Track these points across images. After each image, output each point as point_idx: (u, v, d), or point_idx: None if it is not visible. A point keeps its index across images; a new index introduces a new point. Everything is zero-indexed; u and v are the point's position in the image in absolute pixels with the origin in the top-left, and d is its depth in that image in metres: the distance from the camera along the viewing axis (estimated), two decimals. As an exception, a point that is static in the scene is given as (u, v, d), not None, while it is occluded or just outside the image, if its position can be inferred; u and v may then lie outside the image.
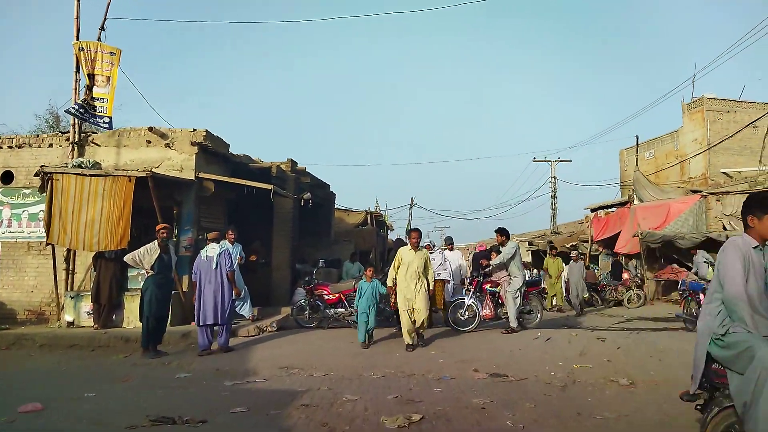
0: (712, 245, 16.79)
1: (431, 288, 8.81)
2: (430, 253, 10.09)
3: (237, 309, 10.41)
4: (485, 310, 10.12)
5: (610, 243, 23.02)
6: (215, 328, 8.61)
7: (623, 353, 7.93)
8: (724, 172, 21.95)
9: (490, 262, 10.49)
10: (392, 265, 8.96)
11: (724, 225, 17.61)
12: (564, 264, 17.73)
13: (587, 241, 25.45)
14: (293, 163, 14.27)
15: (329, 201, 18.00)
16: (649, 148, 25.85)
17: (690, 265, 17.18)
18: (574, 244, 26.39)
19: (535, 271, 23.05)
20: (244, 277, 10.66)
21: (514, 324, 9.79)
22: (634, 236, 17.65)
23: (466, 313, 10.32)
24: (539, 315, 10.62)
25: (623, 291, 17.10)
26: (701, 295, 9.38)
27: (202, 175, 11.09)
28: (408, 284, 8.64)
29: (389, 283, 8.87)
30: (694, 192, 19.33)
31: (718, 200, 17.76)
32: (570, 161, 35.47)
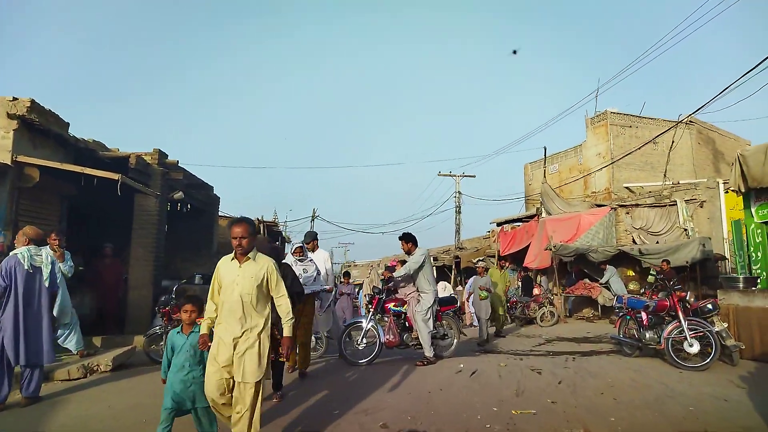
0: (623, 259, 16.14)
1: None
2: (299, 259, 7.72)
3: (60, 341, 7.67)
4: (388, 335, 8.11)
5: (517, 258, 22.18)
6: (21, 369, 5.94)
7: (568, 390, 6.25)
8: (626, 187, 21.88)
9: (393, 274, 8.58)
10: (210, 289, 4.39)
11: (633, 238, 17.08)
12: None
13: (494, 256, 24.55)
14: (162, 154, 11.59)
15: (212, 206, 15.34)
16: (553, 162, 25.59)
17: (599, 278, 16.45)
18: (480, 258, 25.44)
19: (447, 285, 21.73)
20: (76, 296, 7.94)
21: (429, 353, 7.90)
22: (546, 249, 16.64)
23: (364, 339, 8.29)
24: (455, 340, 8.77)
25: (535, 308, 15.95)
26: (643, 315, 8.00)
27: (22, 158, 8.27)
28: (227, 326, 4.22)
29: (203, 328, 4.29)
30: (599, 206, 18.91)
31: (627, 213, 17.23)
32: (474, 176, 34.68)
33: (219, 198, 15.55)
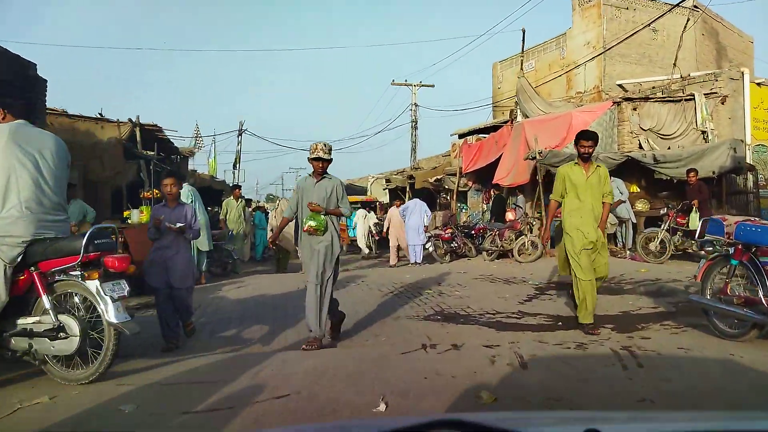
0: (624, 171, 11.93)
1: None
2: None
3: None
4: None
5: (484, 175, 17.88)
6: None
7: None
8: (620, 85, 17.42)
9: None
10: None
11: (640, 142, 12.81)
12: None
13: (454, 175, 20.16)
14: None
15: (35, 92, 10.11)
16: (528, 58, 20.82)
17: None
18: (438, 177, 21.04)
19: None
20: None
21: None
22: (527, 159, 12.21)
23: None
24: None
25: (511, 237, 11.71)
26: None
27: None
28: None
29: None
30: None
31: (634, 109, 12.85)
32: (433, 86, 29.56)
33: (45, 81, 10.27)
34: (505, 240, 11.72)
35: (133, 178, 12.60)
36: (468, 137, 20.35)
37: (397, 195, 24.83)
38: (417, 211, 12.84)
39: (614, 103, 12.86)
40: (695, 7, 18.85)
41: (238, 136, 27.85)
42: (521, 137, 14.13)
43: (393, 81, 31.62)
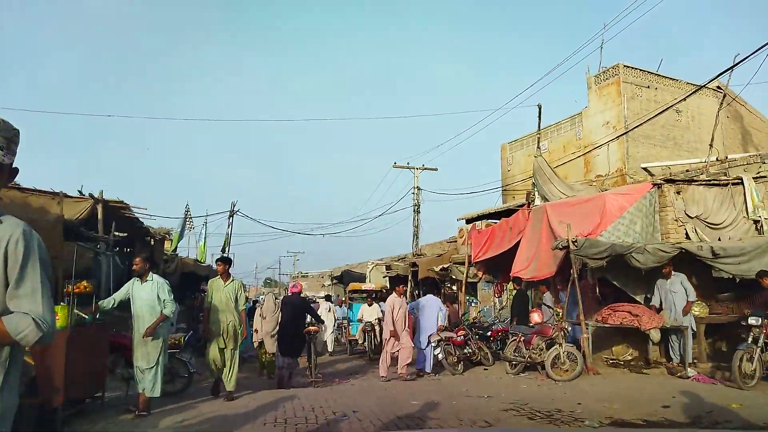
0: (675, 266, 9.88)
1: None
2: None
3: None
4: None
5: (495, 266, 15.90)
6: None
7: None
8: (645, 168, 15.82)
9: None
10: None
11: (687, 232, 10.86)
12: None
13: (462, 263, 18.13)
14: None
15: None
16: (541, 139, 19.42)
17: (639, 299, 10.17)
18: (445, 266, 18.98)
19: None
20: None
21: None
22: (556, 248, 10.21)
23: None
24: None
25: (541, 346, 9.47)
26: None
27: None
28: None
29: None
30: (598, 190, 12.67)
31: (678, 192, 11.02)
32: (436, 169, 28.26)
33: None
34: (533, 349, 9.48)
35: (88, 264, 10.55)
36: (477, 222, 18.54)
37: (398, 283, 22.79)
38: (432, 308, 10.80)
39: (654, 185, 11.06)
40: (718, 88, 17.65)
41: (229, 218, 26.04)
42: (543, 222, 12.23)
43: (395, 164, 30.38)
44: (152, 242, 14.73)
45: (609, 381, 8.55)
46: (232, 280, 7.96)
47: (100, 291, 9.89)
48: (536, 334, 9.59)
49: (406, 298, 11.21)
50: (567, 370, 8.82)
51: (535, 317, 10.18)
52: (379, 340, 14.18)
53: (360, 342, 15.47)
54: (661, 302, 9.49)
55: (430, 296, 11.55)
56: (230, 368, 7.72)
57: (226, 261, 8.34)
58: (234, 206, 26.07)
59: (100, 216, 11.57)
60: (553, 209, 12.06)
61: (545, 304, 10.34)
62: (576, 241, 9.33)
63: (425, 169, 30.51)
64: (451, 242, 24.68)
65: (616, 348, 10.58)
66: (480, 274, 17.55)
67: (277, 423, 6.14)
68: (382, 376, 10.48)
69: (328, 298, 23.08)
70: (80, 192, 11.77)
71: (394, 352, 10.69)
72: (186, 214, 24.82)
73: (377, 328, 14.44)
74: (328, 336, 16.07)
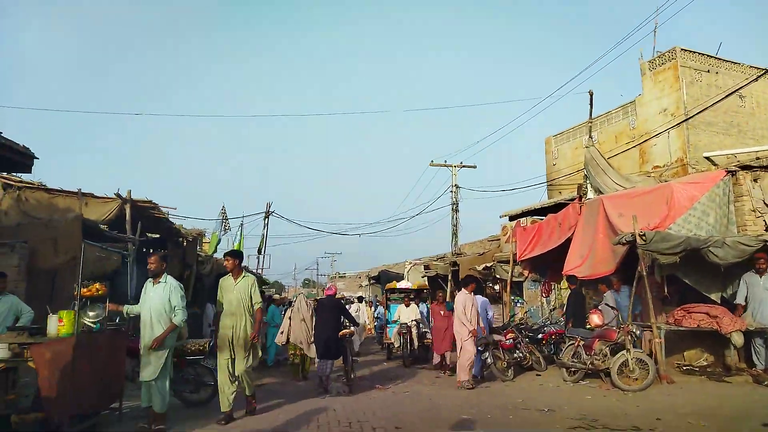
0: (752, 260, 8.69)
1: None
2: None
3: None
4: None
5: (541, 264, 14.91)
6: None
7: None
8: (707, 157, 14.52)
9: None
10: None
11: (766, 223, 9.65)
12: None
13: (507, 262, 17.11)
14: None
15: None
16: (586, 132, 18.23)
17: (715, 298, 9.01)
18: (488, 265, 17.96)
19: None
20: None
21: None
22: (618, 243, 9.17)
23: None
24: None
25: (604, 351, 8.43)
26: None
27: None
28: None
29: None
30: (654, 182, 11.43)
31: (755, 180, 9.82)
32: (475, 167, 27.20)
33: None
34: (595, 355, 8.46)
35: (114, 266, 10.07)
36: (521, 219, 17.49)
37: (437, 284, 21.79)
38: (480, 309, 9.98)
39: (728, 172, 9.89)
40: (786, 70, 16.14)
41: (264, 219, 25.62)
42: (599, 216, 11.18)
43: (432, 162, 29.52)
44: (185, 243, 14.24)
45: (686, 391, 7.48)
46: (244, 276, 6.71)
47: (129, 296, 9.35)
48: (598, 338, 8.57)
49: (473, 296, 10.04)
50: (637, 379, 7.78)
51: (595, 319, 9.16)
52: (418, 344, 13.16)
53: (396, 346, 14.23)
54: (746, 300, 8.33)
55: (477, 296, 10.66)
56: (243, 380, 6.49)
57: (235, 255, 6.92)
58: (269, 207, 25.63)
59: (128, 217, 11.12)
60: (611, 202, 10.99)
61: (607, 305, 9.27)
62: (644, 235, 8.27)
63: (463, 166, 29.52)
64: (492, 241, 23.64)
65: (689, 353, 9.44)
66: (526, 272, 16.50)
67: (309, 440, 5.38)
68: (463, 380, 9.10)
69: (360, 299, 22.32)
70: (117, 195, 11.33)
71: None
72: (222, 215, 24.53)
73: (414, 330, 13.25)
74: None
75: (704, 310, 8.32)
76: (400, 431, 5.73)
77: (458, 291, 18.39)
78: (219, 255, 24.06)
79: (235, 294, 6.55)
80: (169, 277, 6.07)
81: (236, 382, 6.40)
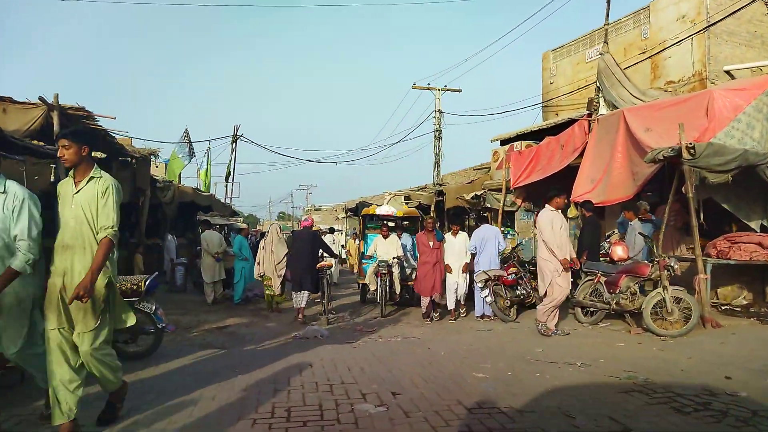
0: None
1: None
2: None
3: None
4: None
5: (536, 192, 13.53)
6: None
7: None
8: (727, 71, 12.94)
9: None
10: None
11: (819, 140, 8.19)
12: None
13: (498, 190, 15.67)
14: None
15: None
16: (594, 42, 16.35)
17: (754, 226, 7.67)
18: (478, 194, 16.45)
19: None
20: None
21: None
22: (653, 161, 7.61)
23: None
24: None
25: (632, 289, 7.05)
26: None
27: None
28: None
29: None
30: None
31: (811, 87, 8.26)
32: (460, 90, 25.34)
33: None
34: (621, 293, 7.08)
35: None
36: (515, 143, 15.88)
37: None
38: (491, 240, 8.62)
39: (779, 78, 8.31)
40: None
41: (232, 143, 23.50)
42: (618, 133, 9.62)
43: (414, 84, 27.48)
44: (134, 163, 12.29)
45: (740, 338, 6.19)
46: (93, 177, 3.63)
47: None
48: (625, 274, 7.17)
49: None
50: (676, 322, 6.46)
51: (619, 251, 7.78)
52: (401, 288, 10.53)
53: (372, 289, 10.71)
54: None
55: (486, 226, 9.31)
56: (93, 368, 3.55)
57: (77, 136, 3.66)
58: (237, 130, 23.44)
59: (56, 127, 9.11)
60: (635, 115, 9.38)
61: (641, 233, 7.82)
62: (693, 148, 6.70)
63: (447, 90, 27.59)
64: (478, 169, 22.10)
65: (723, 290, 8.18)
66: (519, 202, 15.16)
67: (274, 417, 3.87)
68: (546, 327, 7.08)
69: (331, 230, 21.06)
70: (42, 99, 9.26)
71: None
72: (185, 138, 22.30)
73: (396, 271, 10.23)
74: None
75: (756, 240, 6.95)
76: (398, 399, 4.26)
77: (447, 223, 16.75)
78: (186, 184, 22.08)
79: (74, 210, 3.58)
80: (11, 183, 3.60)
81: (82, 373, 3.52)
